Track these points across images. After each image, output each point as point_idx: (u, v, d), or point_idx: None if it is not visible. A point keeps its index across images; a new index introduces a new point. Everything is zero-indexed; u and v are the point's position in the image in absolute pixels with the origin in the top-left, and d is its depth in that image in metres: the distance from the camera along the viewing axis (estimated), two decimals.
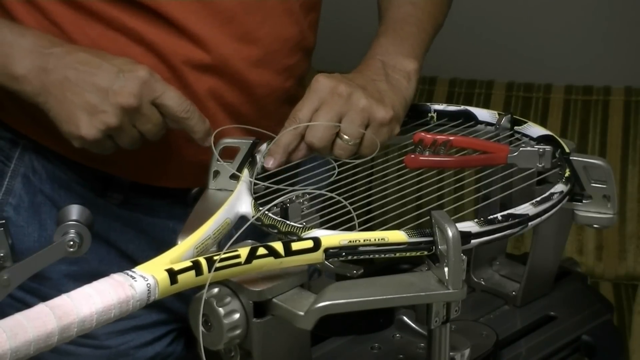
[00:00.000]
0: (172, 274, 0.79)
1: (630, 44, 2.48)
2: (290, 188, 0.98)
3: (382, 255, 0.87)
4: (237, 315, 0.85)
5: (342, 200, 0.94)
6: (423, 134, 1.08)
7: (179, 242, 0.88)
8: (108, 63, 1.06)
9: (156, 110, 1.06)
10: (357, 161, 1.08)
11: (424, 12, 1.22)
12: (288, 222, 0.91)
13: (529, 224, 0.92)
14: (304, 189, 0.98)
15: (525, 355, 1.07)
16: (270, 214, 0.92)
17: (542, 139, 1.09)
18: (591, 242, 2.22)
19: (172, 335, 1.34)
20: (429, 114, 1.18)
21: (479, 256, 1.17)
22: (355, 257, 0.87)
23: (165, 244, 1.23)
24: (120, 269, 1.22)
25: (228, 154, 1.04)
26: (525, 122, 1.13)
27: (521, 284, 1.13)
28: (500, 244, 1.17)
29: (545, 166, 1.06)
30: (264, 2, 1.17)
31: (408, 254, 0.87)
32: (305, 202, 0.98)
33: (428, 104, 1.20)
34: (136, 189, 1.23)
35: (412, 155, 1.05)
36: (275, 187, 0.99)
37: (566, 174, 1.00)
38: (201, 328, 0.84)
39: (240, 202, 0.96)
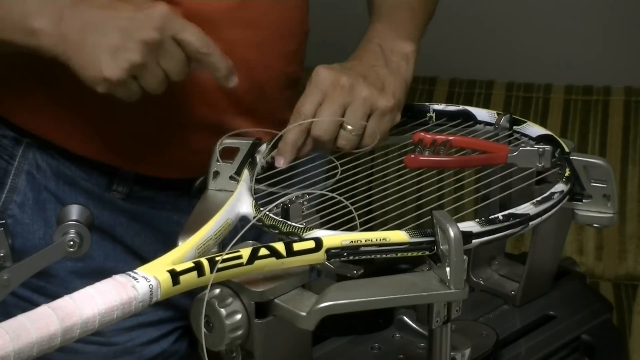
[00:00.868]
0: (174, 275, 0.79)
1: (630, 44, 2.48)
2: (291, 190, 0.99)
3: (384, 256, 0.87)
4: (238, 316, 0.85)
5: (344, 200, 0.94)
6: (422, 134, 1.08)
7: (180, 243, 0.88)
8: (125, 4, 1.04)
9: (178, 46, 1.04)
10: (359, 151, 1.09)
11: (414, 4, 1.22)
12: (289, 222, 0.91)
13: (530, 223, 0.92)
14: (305, 190, 0.98)
15: (525, 355, 1.07)
16: (271, 215, 0.92)
17: (541, 139, 1.09)
18: (591, 242, 2.22)
19: (177, 333, 1.34)
20: (428, 114, 1.18)
21: (478, 256, 1.18)
22: (356, 258, 0.87)
23: (170, 237, 1.25)
24: (126, 264, 1.23)
25: (228, 154, 1.04)
26: (525, 122, 1.13)
27: (520, 284, 1.13)
28: (499, 243, 1.17)
29: (545, 166, 1.06)
30: None
31: (409, 254, 0.87)
32: (306, 203, 0.98)
33: (427, 103, 1.20)
34: (141, 182, 1.23)
35: (412, 155, 1.04)
36: (275, 189, 0.99)
37: (566, 174, 1.00)
38: (203, 329, 0.84)
39: (240, 202, 0.96)
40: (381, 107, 1.08)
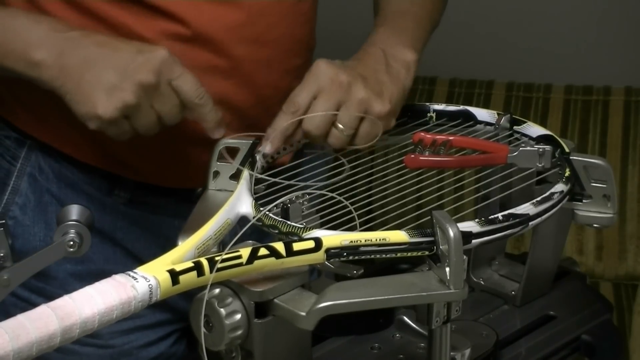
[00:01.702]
0: (174, 275, 0.79)
1: (630, 44, 2.48)
2: (291, 183, 0.99)
3: (384, 256, 0.86)
4: (238, 316, 0.85)
5: (343, 200, 0.94)
6: (423, 134, 1.08)
7: (180, 243, 0.88)
8: (127, 44, 1.05)
9: (174, 92, 1.04)
10: (356, 147, 1.09)
11: (421, 8, 1.22)
12: (289, 222, 0.91)
13: (530, 223, 0.92)
14: (305, 189, 0.98)
15: (525, 355, 1.07)
16: (271, 215, 0.92)
17: (541, 139, 1.09)
18: (591, 242, 2.22)
19: (175, 335, 1.34)
20: (428, 114, 1.17)
21: (478, 256, 1.17)
22: (356, 258, 0.86)
23: (171, 242, 1.23)
24: (125, 268, 1.22)
25: (228, 154, 1.04)
26: (525, 122, 1.13)
27: (521, 284, 1.13)
28: (499, 243, 1.17)
29: (545, 166, 1.05)
30: (279, 3, 1.17)
31: (409, 254, 0.87)
32: (306, 203, 0.98)
33: (427, 104, 1.19)
34: (142, 187, 1.23)
35: (412, 155, 1.04)
36: (277, 179, 0.99)
37: (566, 174, 1.00)
38: (203, 329, 0.84)
39: (240, 202, 0.96)
40: (376, 111, 1.08)
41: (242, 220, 0.95)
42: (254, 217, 0.93)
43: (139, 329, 1.27)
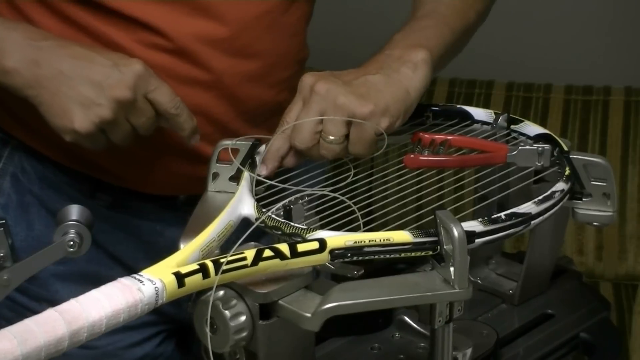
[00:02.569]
0: (180, 277, 0.79)
1: (630, 44, 2.49)
2: (288, 186, 0.98)
3: (387, 256, 0.86)
4: (243, 318, 0.85)
5: (346, 200, 0.94)
6: (421, 133, 1.08)
7: (182, 245, 0.88)
8: (102, 57, 1.05)
9: (149, 104, 1.05)
10: (355, 155, 1.05)
11: (448, 7, 1.17)
12: (292, 223, 0.90)
13: (532, 222, 0.92)
14: (307, 191, 0.97)
15: (524, 354, 1.07)
16: (274, 216, 0.92)
17: (539, 138, 1.09)
18: (591, 242, 2.22)
19: (161, 336, 1.34)
20: (425, 114, 1.17)
21: (475, 255, 1.16)
22: (360, 258, 0.86)
23: (153, 246, 1.25)
24: (108, 269, 1.24)
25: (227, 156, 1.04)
26: (522, 121, 1.13)
27: (519, 283, 1.13)
28: (497, 242, 1.17)
29: (544, 165, 1.05)
30: (265, 16, 1.16)
31: (413, 254, 0.87)
32: (306, 204, 0.97)
33: (424, 103, 1.19)
34: (124, 191, 1.23)
35: (412, 155, 1.04)
36: (277, 182, 0.99)
37: (566, 172, 1.00)
38: (208, 331, 0.84)
39: (242, 203, 0.95)
40: (358, 113, 1.02)
41: (244, 221, 0.94)
42: (256, 219, 0.93)
43: (123, 329, 1.24)
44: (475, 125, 1.15)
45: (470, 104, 1.16)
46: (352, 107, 1.01)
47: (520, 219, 0.91)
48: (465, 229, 0.85)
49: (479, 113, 1.16)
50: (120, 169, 1.20)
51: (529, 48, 2.52)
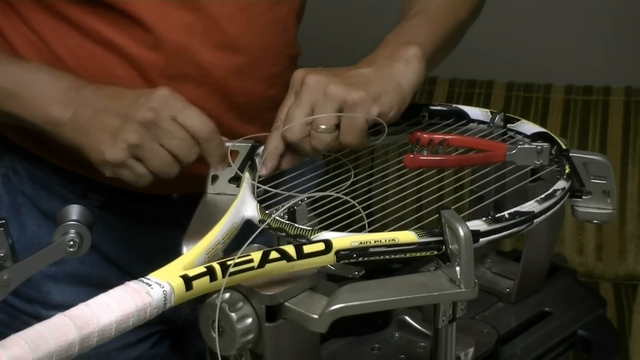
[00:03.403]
0: (187, 280, 0.79)
1: (630, 44, 2.49)
2: (295, 192, 0.98)
3: (393, 256, 0.86)
4: (249, 320, 0.85)
5: (350, 200, 0.94)
6: (419, 133, 1.08)
7: (185, 249, 0.88)
8: (132, 91, 1.06)
9: (180, 125, 1.03)
10: (350, 148, 1.05)
11: (438, 6, 1.18)
12: (297, 225, 0.90)
13: (535, 221, 0.92)
14: (309, 192, 0.97)
15: (523, 352, 1.07)
16: (278, 218, 0.92)
17: (536, 136, 1.10)
18: (591, 242, 2.23)
19: (156, 337, 1.33)
20: (420, 113, 1.17)
21: None
22: (365, 259, 0.86)
23: (146, 246, 1.25)
24: (101, 270, 1.23)
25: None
26: (519, 120, 1.13)
27: (516, 281, 1.14)
28: None
29: (543, 163, 1.06)
30: (250, 9, 1.16)
31: (418, 254, 0.87)
32: (310, 205, 0.97)
33: (419, 103, 1.19)
34: (117, 191, 1.22)
35: (411, 155, 1.04)
36: (277, 191, 0.98)
37: (566, 171, 1.00)
38: (216, 335, 0.83)
39: (245, 205, 0.95)
40: (349, 100, 1.02)
41: (247, 223, 0.94)
42: (259, 221, 0.92)
43: None
44: (472, 125, 1.16)
45: (470, 104, 1.16)
46: (342, 94, 1.02)
47: (523, 217, 0.91)
48: (470, 228, 0.85)
49: (475, 112, 1.16)
50: None
51: (529, 48, 2.53)
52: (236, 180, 1.01)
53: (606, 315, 1.17)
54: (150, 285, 0.77)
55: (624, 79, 2.36)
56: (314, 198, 0.97)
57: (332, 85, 1.02)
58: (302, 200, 0.95)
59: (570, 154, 1.02)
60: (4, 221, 0.88)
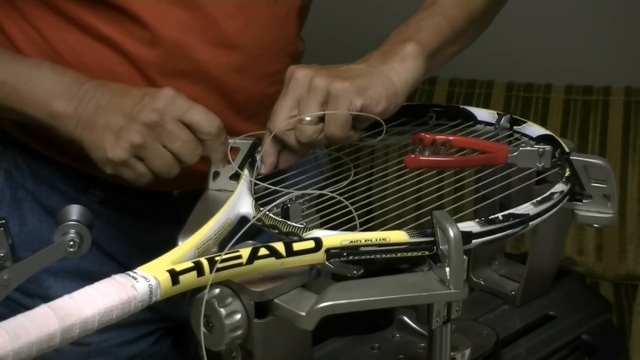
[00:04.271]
0: (174, 275, 0.79)
1: (630, 44, 2.48)
2: (290, 191, 0.98)
3: (384, 256, 0.87)
4: (238, 316, 0.85)
5: (343, 200, 0.94)
6: (422, 133, 1.08)
7: (180, 243, 0.88)
8: (137, 89, 1.06)
9: (184, 127, 1.03)
10: (337, 142, 1.04)
11: (441, 6, 1.16)
12: (289, 222, 0.90)
13: (530, 223, 0.92)
14: (305, 190, 0.98)
15: (525, 355, 1.07)
16: (271, 215, 0.92)
17: (541, 139, 1.09)
18: (591, 242, 2.22)
19: (157, 334, 1.34)
20: (428, 114, 1.17)
21: (478, 256, 1.18)
22: (356, 258, 0.86)
23: (147, 243, 1.25)
24: (101, 266, 1.24)
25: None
26: (525, 122, 1.13)
27: (521, 284, 1.13)
28: (499, 243, 1.17)
29: (545, 166, 1.05)
30: (248, 7, 1.16)
31: (409, 254, 0.87)
32: (306, 203, 0.98)
33: (426, 104, 1.19)
34: (117, 187, 1.23)
35: (412, 156, 1.04)
36: (274, 187, 0.99)
37: (566, 174, 1.00)
38: (202, 329, 0.84)
39: (241, 202, 0.96)
40: (332, 90, 1.01)
41: (242, 220, 0.95)
42: (253, 217, 0.93)
43: (117, 327, 1.23)
44: (478, 126, 1.15)
45: (470, 104, 1.16)
46: (324, 84, 1.01)
47: (518, 219, 0.91)
48: (462, 229, 0.85)
49: (481, 114, 1.16)
50: None
51: (529, 48, 2.52)
52: (237, 177, 1.02)
53: (611, 320, 1.17)
54: (136, 278, 0.78)
55: (624, 79, 2.34)
56: (309, 196, 0.97)
57: (317, 77, 1.02)
58: (295, 198, 0.95)
59: (571, 157, 1.01)
60: (4, 221, 0.89)
